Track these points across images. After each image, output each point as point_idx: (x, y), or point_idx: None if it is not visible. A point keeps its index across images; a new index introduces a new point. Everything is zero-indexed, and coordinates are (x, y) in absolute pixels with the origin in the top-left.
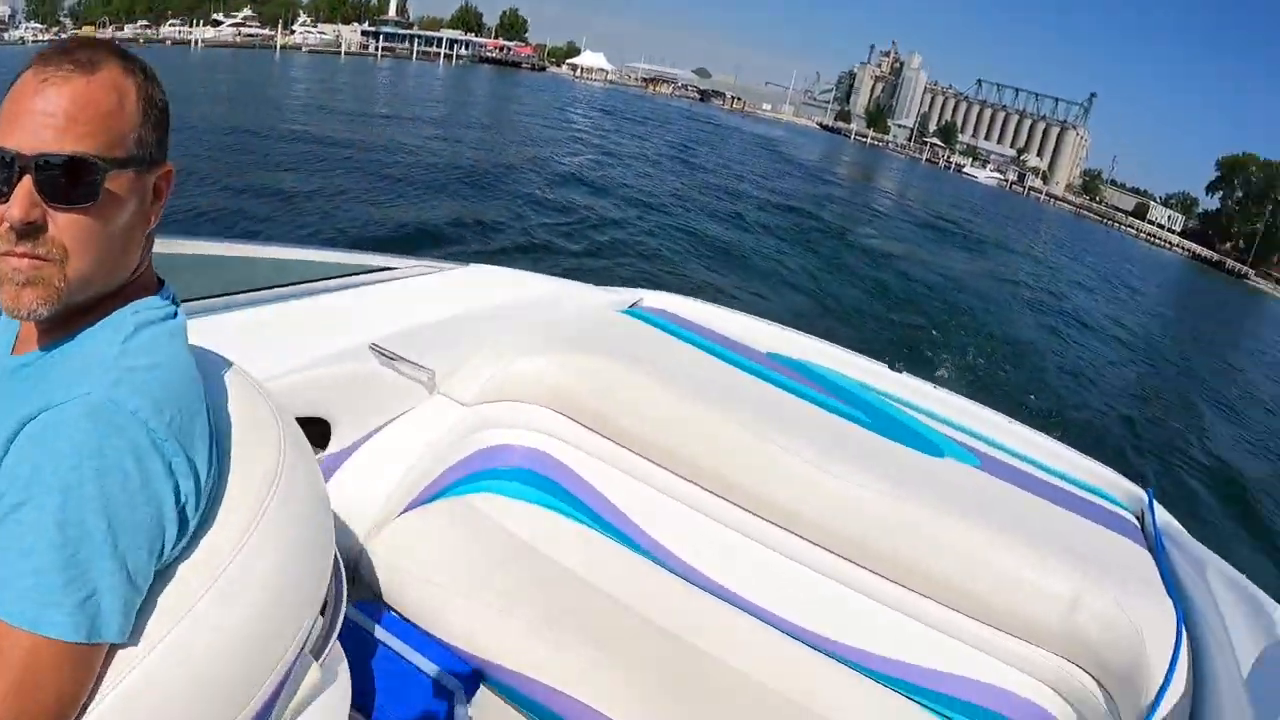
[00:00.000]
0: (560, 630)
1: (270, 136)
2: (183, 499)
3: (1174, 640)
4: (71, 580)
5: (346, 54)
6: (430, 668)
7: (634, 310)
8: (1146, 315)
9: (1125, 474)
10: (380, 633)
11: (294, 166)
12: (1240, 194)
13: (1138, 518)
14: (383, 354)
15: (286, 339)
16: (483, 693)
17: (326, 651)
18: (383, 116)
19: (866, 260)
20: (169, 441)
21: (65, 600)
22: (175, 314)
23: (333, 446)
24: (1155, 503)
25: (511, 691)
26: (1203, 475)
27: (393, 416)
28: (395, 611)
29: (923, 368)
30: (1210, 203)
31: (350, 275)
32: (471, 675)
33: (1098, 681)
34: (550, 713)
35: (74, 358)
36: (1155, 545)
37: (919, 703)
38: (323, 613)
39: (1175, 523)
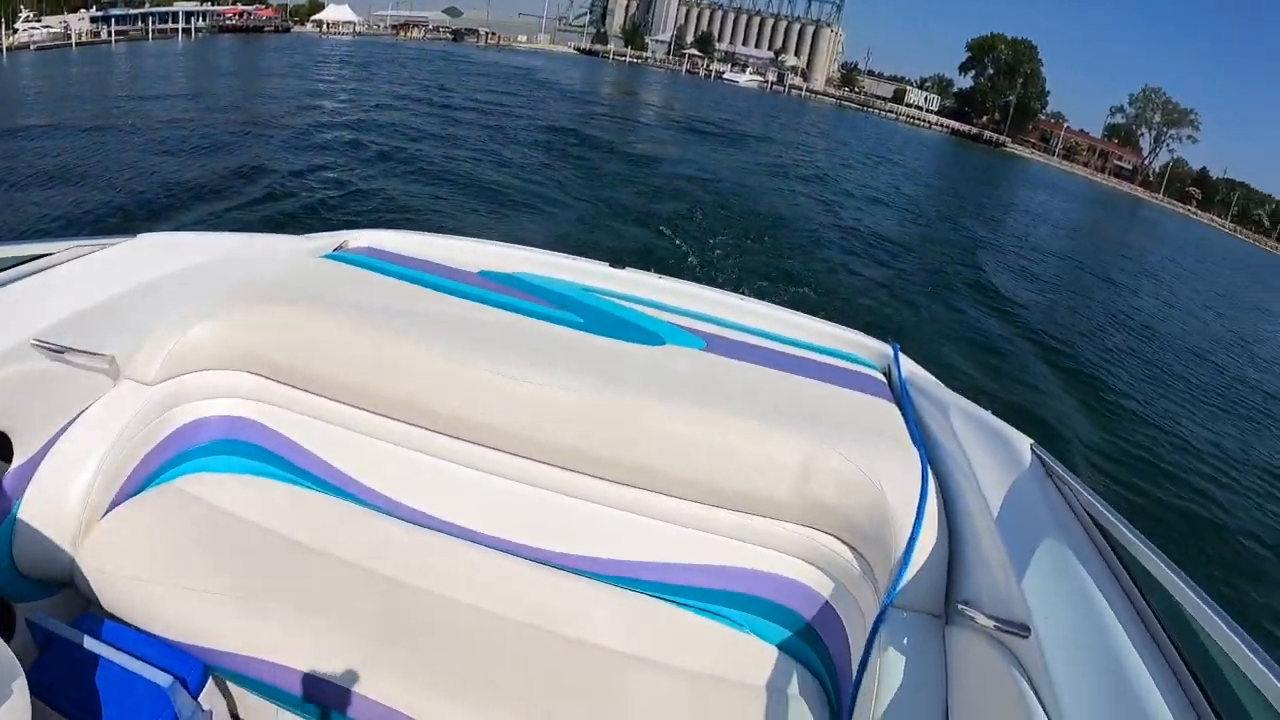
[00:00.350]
0: (273, 598)
1: None
2: None
3: (919, 488)
4: None
5: (78, 45)
6: (154, 672)
7: (336, 254)
8: (914, 185)
9: (871, 334)
10: (94, 645)
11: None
12: (991, 71)
13: (884, 373)
14: (49, 347)
15: None
16: (210, 684)
17: None
18: (112, 107)
19: (633, 168)
20: None
21: None
22: None
23: (18, 458)
24: (901, 355)
25: (238, 676)
26: (965, 305)
27: (77, 412)
28: (117, 619)
29: (686, 260)
30: (965, 82)
31: None
32: (197, 666)
33: (847, 544)
34: (275, 688)
35: None
36: (901, 397)
37: (670, 600)
38: None
39: (923, 371)
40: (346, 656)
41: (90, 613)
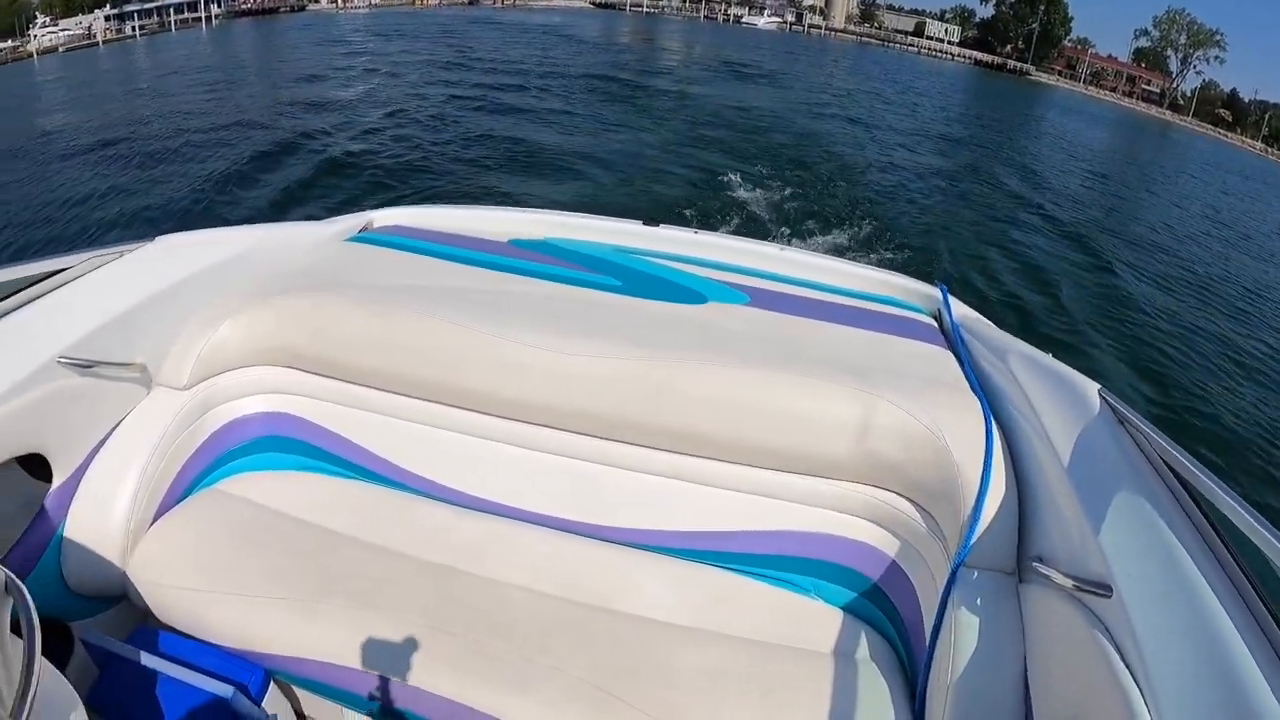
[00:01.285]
0: (326, 598)
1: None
2: None
3: (984, 440)
4: None
5: (105, 42)
6: (214, 683)
7: (362, 235)
8: (941, 116)
9: (917, 276)
10: (152, 660)
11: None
12: None
13: (934, 317)
14: (76, 362)
15: None
16: (272, 688)
17: (26, 709)
18: (141, 99)
19: (668, 108)
20: None
21: None
22: None
23: (58, 478)
24: (950, 298)
25: (299, 679)
26: (1009, 247)
27: (113, 425)
28: (173, 631)
29: (732, 204)
30: (986, 11)
31: (11, 295)
32: (258, 673)
33: (912, 501)
34: (335, 689)
35: None
36: (955, 342)
37: (729, 569)
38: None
39: (974, 313)
40: (405, 650)
41: (146, 625)
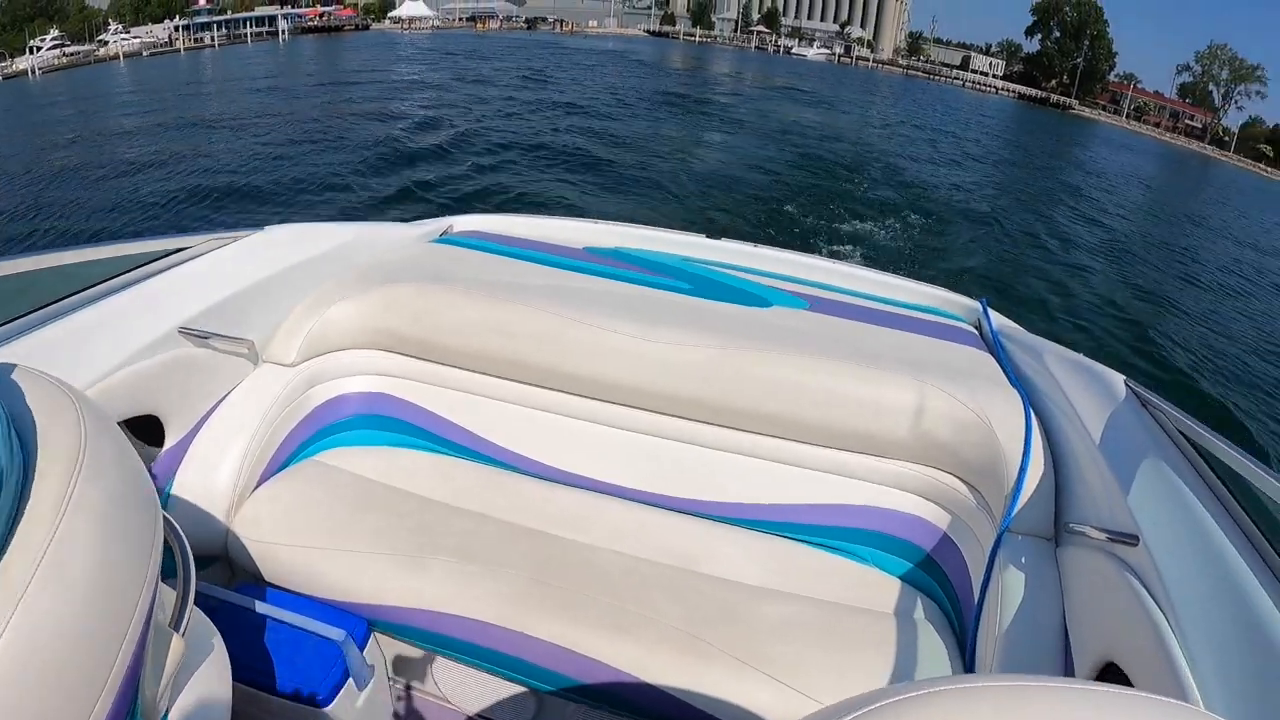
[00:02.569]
0: (429, 555)
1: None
2: None
3: (1024, 424)
4: None
5: (185, 49)
6: (320, 628)
7: (444, 238)
8: (982, 148)
9: (960, 290)
10: (264, 608)
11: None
12: (1057, 34)
13: (975, 326)
14: (194, 334)
15: (89, 346)
16: (374, 637)
17: (184, 622)
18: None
19: (729, 130)
20: None
21: None
22: None
23: (170, 440)
24: (989, 310)
25: (400, 628)
26: (1045, 263)
27: (222, 395)
28: (275, 586)
29: (773, 208)
30: (1032, 46)
31: (140, 266)
32: (361, 624)
33: (961, 479)
34: (437, 635)
35: None
36: (994, 346)
37: (804, 540)
38: (171, 585)
39: (1011, 323)
40: (501, 601)
41: (245, 582)
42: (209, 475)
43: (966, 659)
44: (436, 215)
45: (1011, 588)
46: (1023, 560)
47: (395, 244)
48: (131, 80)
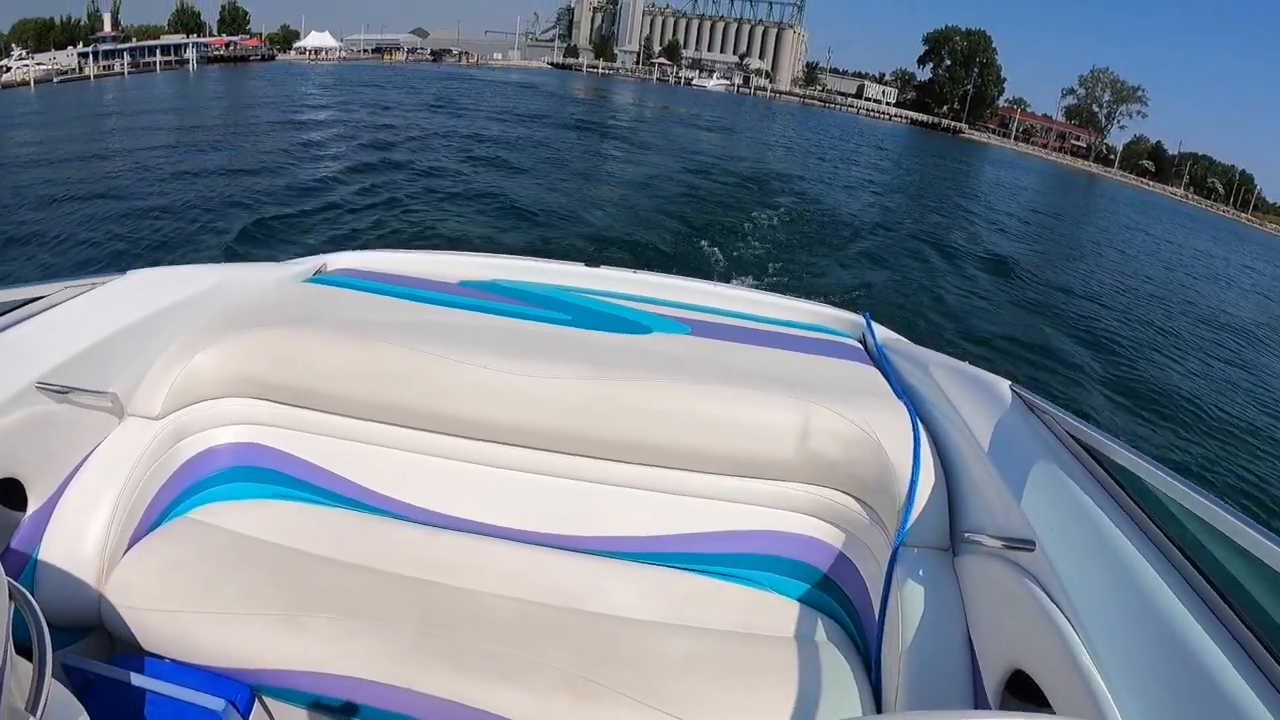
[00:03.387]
0: (309, 612)
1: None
2: None
3: (912, 436)
4: None
5: (95, 77)
6: (200, 698)
7: (317, 277)
8: (874, 169)
9: (843, 306)
10: (141, 680)
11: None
12: (948, 63)
13: (860, 341)
14: (53, 389)
15: None
16: (259, 702)
17: (42, 704)
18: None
19: (623, 156)
20: None
21: None
22: None
23: (33, 504)
24: (872, 323)
25: (284, 692)
26: (929, 270)
27: (86, 453)
28: (154, 655)
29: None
30: (925, 74)
31: None
32: (244, 690)
33: (853, 496)
34: (322, 697)
35: None
36: (880, 359)
37: (697, 570)
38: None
39: (896, 335)
40: (385, 656)
41: (123, 652)
42: (76, 540)
43: (872, 678)
44: (323, 251)
45: (911, 602)
46: (920, 573)
47: (265, 285)
48: (41, 106)
